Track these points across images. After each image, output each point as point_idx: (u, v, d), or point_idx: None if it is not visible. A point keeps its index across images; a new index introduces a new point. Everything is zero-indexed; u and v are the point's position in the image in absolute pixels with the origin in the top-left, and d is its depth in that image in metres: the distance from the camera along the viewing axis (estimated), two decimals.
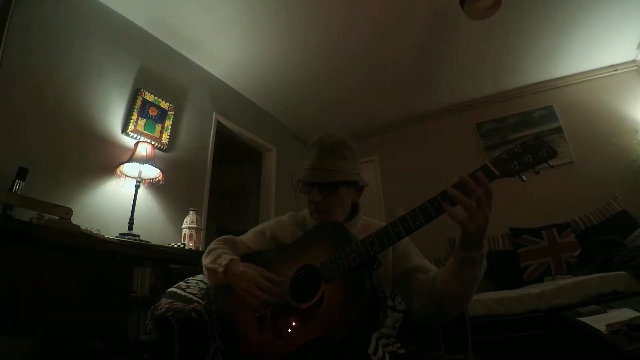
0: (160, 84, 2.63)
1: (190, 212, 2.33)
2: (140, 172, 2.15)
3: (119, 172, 2.12)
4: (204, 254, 0.97)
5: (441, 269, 0.80)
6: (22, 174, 1.57)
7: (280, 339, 0.77)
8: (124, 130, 2.30)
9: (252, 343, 0.82)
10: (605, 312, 1.50)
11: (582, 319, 1.47)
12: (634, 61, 3.21)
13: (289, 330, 0.77)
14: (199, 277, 1.11)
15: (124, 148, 2.26)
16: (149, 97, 2.47)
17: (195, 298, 0.98)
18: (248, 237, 1.04)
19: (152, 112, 2.48)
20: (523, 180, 0.66)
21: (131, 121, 2.33)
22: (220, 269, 0.85)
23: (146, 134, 2.40)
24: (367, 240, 0.74)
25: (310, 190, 0.94)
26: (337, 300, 0.73)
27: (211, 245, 0.99)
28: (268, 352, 0.78)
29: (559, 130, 3.35)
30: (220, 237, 1.03)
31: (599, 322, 1.33)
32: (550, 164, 0.65)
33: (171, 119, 2.61)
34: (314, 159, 0.95)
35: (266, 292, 0.78)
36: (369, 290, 0.70)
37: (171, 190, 2.49)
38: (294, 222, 1.04)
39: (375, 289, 0.72)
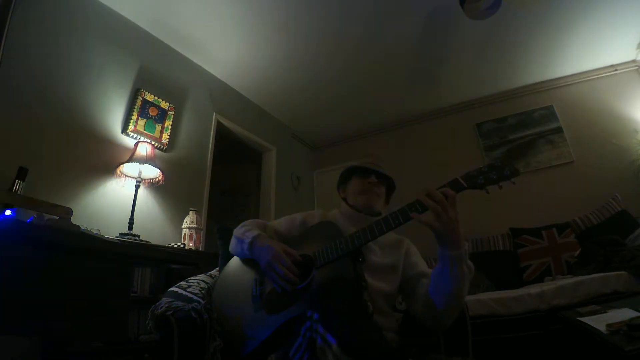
0: (160, 84, 2.63)
1: (190, 212, 2.33)
2: (140, 172, 2.15)
3: (119, 172, 2.12)
4: (235, 230, 1.09)
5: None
6: (22, 174, 1.57)
7: (272, 314, 0.86)
8: (124, 130, 2.30)
9: (245, 317, 0.90)
10: (605, 312, 1.49)
11: (582, 319, 1.47)
12: (634, 61, 3.21)
13: (281, 306, 0.85)
14: (200, 276, 1.12)
15: (124, 148, 2.26)
16: (149, 97, 2.47)
17: (195, 298, 0.98)
18: (279, 222, 1.16)
19: (152, 112, 2.48)
20: (487, 192, 0.79)
21: (131, 121, 2.33)
22: (247, 240, 0.97)
23: (146, 134, 2.40)
24: (354, 235, 0.86)
25: (365, 177, 1.11)
26: (324, 282, 0.84)
27: (245, 222, 1.11)
28: (259, 324, 0.86)
29: (559, 130, 3.35)
30: (253, 219, 1.15)
31: (599, 322, 1.33)
32: (513, 181, 0.77)
33: (171, 119, 2.62)
34: (372, 160, 1.16)
35: (286, 268, 0.86)
36: (352, 274, 0.82)
37: (171, 190, 2.49)
38: (322, 215, 1.15)
39: (358, 274, 0.84)
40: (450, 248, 0.79)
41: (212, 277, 1.15)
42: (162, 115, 2.55)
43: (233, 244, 1.06)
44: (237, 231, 1.06)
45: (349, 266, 0.83)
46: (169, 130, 2.58)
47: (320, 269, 0.87)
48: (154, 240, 2.12)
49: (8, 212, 1.40)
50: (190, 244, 2.23)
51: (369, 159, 1.17)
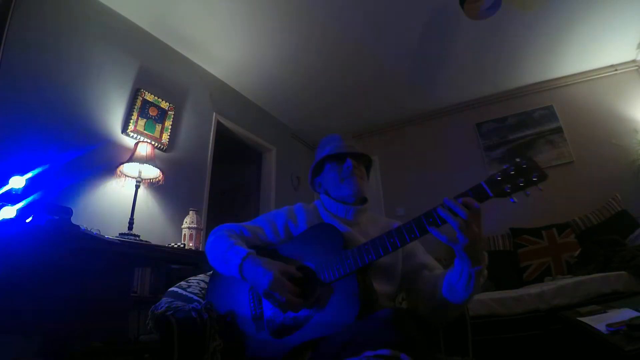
0: (160, 84, 2.63)
1: (190, 212, 2.33)
2: (140, 172, 2.15)
3: (119, 172, 2.12)
4: (210, 241, 0.94)
5: (442, 275, 0.82)
6: (22, 174, 1.57)
7: (278, 338, 0.79)
8: (124, 130, 2.30)
9: (249, 341, 0.83)
10: (605, 312, 1.49)
11: (582, 319, 1.47)
12: (634, 61, 3.21)
13: (286, 329, 0.78)
14: (200, 276, 1.12)
15: (124, 148, 2.26)
16: (149, 97, 2.47)
17: (196, 298, 0.98)
18: (258, 224, 1.01)
19: (152, 112, 2.48)
20: (514, 202, 0.69)
21: (131, 121, 2.33)
22: (236, 264, 0.83)
23: (146, 134, 2.40)
24: (363, 248, 0.76)
25: (341, 163, 1.00)
26: (333, 303, 0.75)
27: (218, 233, 0.96)
28: (265, 350, 0.79)
29: (559, 130, 3.35)
30: (226, 225, 1.00)
31: (599, 322, 1.33)
32: (540, 187, 0.68)
33: (171, 119, 2.62)
34: (341, 142, 1.04)
35: (290, 293, 0.77)
36: (363, 294, 0.72)
37: (171, 190, 2.49)
38: (307, 211, 1.02)
39: (368, 292, 0.74)
40: (471, 264, 0.71)
41: None
42: (162, 115, 2.55)
43: (215, 261, 0.91)
44: (217, 245, 0.91)
45: (358, 282, 0.73)
46: (169, 130, 2.58)
47: (325, 286, 0.78)
48: (154, 240, 2.12)
49: (8, 213, 1.40)
50: (190, 244, 2.23)
51: (335, 142, 1.04)
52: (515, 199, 0.69)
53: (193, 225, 2.29)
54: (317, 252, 0.83)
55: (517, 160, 0.70)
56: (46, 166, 1.82)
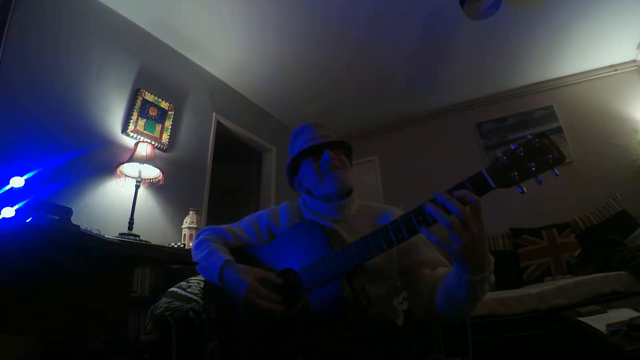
0: (160, 84, 2.63)
1: (190, 212, 2.33)
2: (140, 172, 2.15)
3: (119, 172, 2.13)
4: (194, 246, 0.92)
5: (443, 277, 0.73)
6: (22, 174, 1.57)
7: (270, 341, 0.78)
8: (124, 130, 2.30)
9: (245, 342, 0.83)
10: (605, 312, 1.49)
11: (582, 319, 1.47)
12: (634, 61, 3.21)
13: (274, 336, 0.76)
14: (201, 276, 1.12)
15: (124, 148, 2.26)
16: (149, 97, 2.48)
17: (195, 298, 0.98)
18: (241, 226, 0.99)
19: (152, 112, 2.48)
20: (522, 191, 0.57)
21: (131, 121, 2.33)
22: (215, 272, 0.81)
23: (146, 134, 2.40)
24: (347, 251, 0.70)
25: (318, 157, 0.91)
26: (320, 308, 0.71)
27: (201, 237, 0.94)
28: (260, 352, 0.78)
29: (559, 130, 3.35)
30: (210, 228, 0.98)
31: (599, 322, 1.33)
32: (556, 171, 0.55)
33: (171, 119, 2.62)
34: (314, 132, 0.95)
35: (268, 301, 0.74)
36: (350, 300, 0.67)
37: (171, 190, 2.49)
38: (290, 211, 0.98)
39: (357, 297, 0.69)
40: (471, 272, 0.61)
41: None
42: (162, 115, 2.55)
43: (198, 267, 0.89)
44: (199, 251, 0.88)
45: (345, 286, 0.68)
46: (169, 130, 2.58)
47: (310, 291, 0.74)
48: (154, 240, 2.12)
49: (8, 213, 1.40)
50: (191, 244, 2.23)
51: (308, 134, 0.95)
52: (524, 189, 0.56)
53: (193, 225, 2.29)
54: (301, 254, 0.78)
55: (529, 137, 0.57)
56: (46, 166, 1.82)
